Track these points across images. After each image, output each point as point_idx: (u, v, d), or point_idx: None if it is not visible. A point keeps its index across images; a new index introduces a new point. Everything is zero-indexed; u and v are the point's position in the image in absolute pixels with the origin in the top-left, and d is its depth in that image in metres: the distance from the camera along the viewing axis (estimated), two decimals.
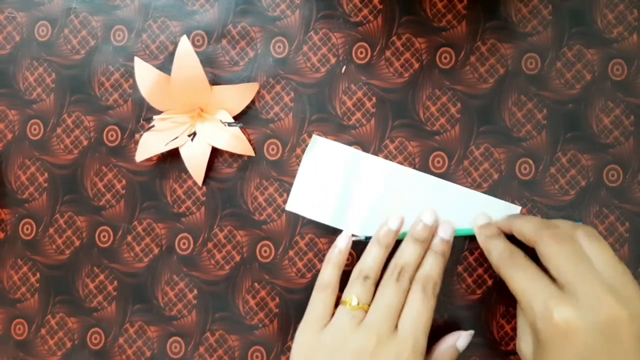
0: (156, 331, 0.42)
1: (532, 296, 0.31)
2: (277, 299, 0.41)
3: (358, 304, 0.35)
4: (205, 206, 0.41)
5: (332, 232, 0.40)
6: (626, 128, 0.40)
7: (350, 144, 0.41)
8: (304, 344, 0.36)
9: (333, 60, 0.41)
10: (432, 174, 0.40)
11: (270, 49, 0.41)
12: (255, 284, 0.41)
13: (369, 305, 0.35)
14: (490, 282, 0.40)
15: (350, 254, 0.40)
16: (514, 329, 0.40)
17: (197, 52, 0.41)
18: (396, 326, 0.34)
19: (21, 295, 0.43)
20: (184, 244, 0.42)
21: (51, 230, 0.43)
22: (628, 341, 0.29)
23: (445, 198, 0.40)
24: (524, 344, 0.34)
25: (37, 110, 0.43)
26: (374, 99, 0.41)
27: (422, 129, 0.41)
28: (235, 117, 0.41)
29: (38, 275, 0.43)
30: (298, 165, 0.41)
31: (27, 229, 0.43)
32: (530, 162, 0.40)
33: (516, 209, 0.40)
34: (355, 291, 0.36)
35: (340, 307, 0.36)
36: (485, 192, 0.40)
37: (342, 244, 0.38)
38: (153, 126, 0.41)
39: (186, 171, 0.41)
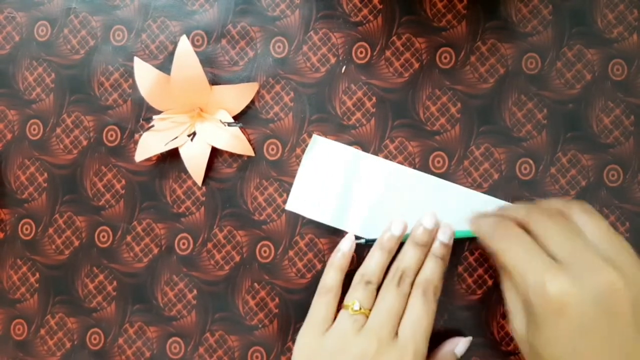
0: (156, 331, 0.41)
1: (525, 269, 0.30)
2: (277, 300, 0.40)
3: (360, 308, 0.34)
4: (204, 206, 0.41)
5: (332, 233, 0.40)
6: (626, 128, 0.39)
7: (350, 143, 0.40)
8: (305, 347, 0.35)
9: (333, 60, 0.40)
10: (432, 174, 0.40)
11: (270, 48, 0.41)
12: (255, 284, 0.41)
13: (371, 310, 0.35)
14: (490, 283, 0.39)
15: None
16: None
17: (196, 52, 0.40)
18: (397, 331, 0.34)
19: (20, 296, 0.42)
20: (183, 244, 0.41)
21: (50, 231, 0.42)
22: (625, 310, 0.28)
23: (446, 198, 0.39)
24: (518, 323, 0.32)
25: (37, 110, 0.42)
26: (374, 98, 0.40)
27: (422, 129, 0.40)
28: (235, 117, 0.40)
29: (37, 275, 0.42)
30: (298, 165, 0.40)
31: (26, 229, 0.42)
32: (531, 162, 0.40)
33: None
34: (357, 296, 0.35)
35: (342, 312, 0.35)
36: (485, 192, 0.39)
37: (345, 248, 0.38)
38: (152, 126, 0.40)
39: (186, 171, 0.41)
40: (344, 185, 0.40)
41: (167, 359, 0.41)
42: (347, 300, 0.36)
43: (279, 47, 0.41)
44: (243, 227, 0.41)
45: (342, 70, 0.40)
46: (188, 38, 0.40)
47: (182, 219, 0.41)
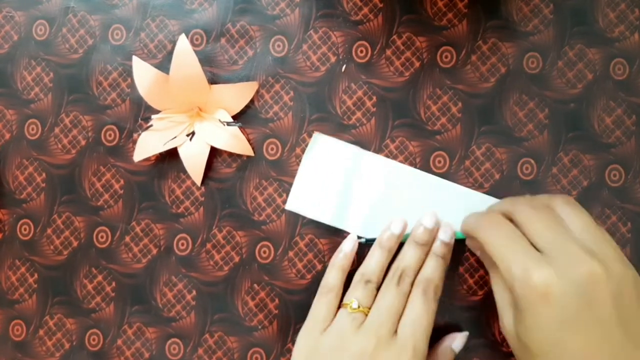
0: (155, 332, 0.40)
1: (510, 260, 0.30)
2: (277, 300, 0.40)
3: (359, 306, 0.34)
4: (204, 206, 0.40)
5: (333, 233, 0.39)
6: (628, 128, 0.39)
7: (350, 143, 0.39)
8: (304, 347, 0.35)
9: (333, 59, 0.40)
10: (433, 174, 0.39)
11: (269, 47, 0.40)
12: (255, 285, 0.40)
13: (370, 309, 0.34)
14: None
15: None
16: None
17: (195, 51, 0.39)
18: (397, 329, 0.33)
19: (19, 296, 0.41)
20: (182, 244, 0.40)
21: (49, 231, 0.41)
22: (606, 300, 0.28)
23: (447, 198, 0.38)
24: (507, 319, 0.32)
25: (35, 109, 0.41)
26: (374, 98, 0.39)
27: (423, 128, 0.39)
28: (234, 117, 0.40)
29: (36, 275, 0.41)
30: (298, 165, 0.39)
31: (25, 229, 0.41)
32: (532, 162, 0.39)
33: None
34: (356, 295, 0.34)
35: (341, 310, 0.35)
36: (486, 192, 0.39)
37: (347, 248, 0.37)
38: (151, 126, 0.40)
39: (185, 171, 0.40)
40: (344, 183, 0.39)
41: None
42: (346, 299, 0.35)
43: (278, 46, 0.40)
44: (242, 228, 0.40)
45: (342, 70, 0.40)
46: (187, 37, 0.40)
47: (181, 219, 0.40)
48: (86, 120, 0.41)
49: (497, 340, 0.39)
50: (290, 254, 0.40)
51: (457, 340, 0.36)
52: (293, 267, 0.40)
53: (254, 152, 0.40)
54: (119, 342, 0.41)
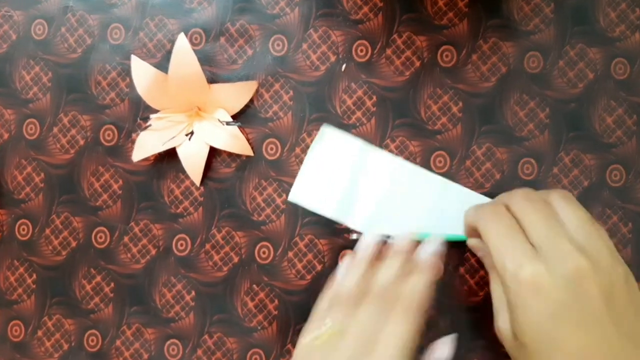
0: (153, 333, 0.39)
1: (504, 254, 0.30)
2: (276, 301, 0.39)
3: (334, 327, 0.32)
4: (203, 207, 0.39)
5: (332, 234, 0.38)
6: (629, 127, 0.38)
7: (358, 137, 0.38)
8: (303, 347, 0.33)
9: (333, 59, 0.39)
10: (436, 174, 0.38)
11: (269, 47, 0.39)
12: (254, 286, 0.39)
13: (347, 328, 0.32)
14: None
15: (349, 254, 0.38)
16: None
17: (195, 50, 0.39)
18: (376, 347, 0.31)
19: (17, 297, 0.41)
20: (181, 245, 0.39)
21: (47, 231, 0.40)
22: (595, 296, 0.28)
23: (452, 199, 0.37)
24: (502, 321, 0.31)
25: (34, 109, 0.41)
26: (374, 97, 0.39)
27: (423, 128, 0.38)
28: (233, 116, 0.39)
29: (34, 276, 0.40)
30: (298, 165, 0.39)
31: (23, 229, 0.41)
32: (533, 161, 0.38)
33: None
34: (332, 314, 0.32)
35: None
36: (487, 192, 0.38)
37: (368, 243, 0.35)
38: (150, 125, 0.39)
39: (184, 171, 0.39)
40: (350, 178, 0.38)
41: None
42: (320, 322, 0.33)
43: (278, 45, 0.39)
44: (242, 228, 0.39)
45: (342, 69, 0.39)
46: (186, 36, 0.39)
47: (180, 220, 0.39)
48: (85, 120, 0.40)
49: (498, 340, 0.38)
50: (290, 254, 0.39)
51: (438, 351, 0.34)
52: (293, 268, 0.39)
53: (254, 152, 0.39)
54: (118, 342, 0.40)
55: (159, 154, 0.39)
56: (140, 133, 0.39)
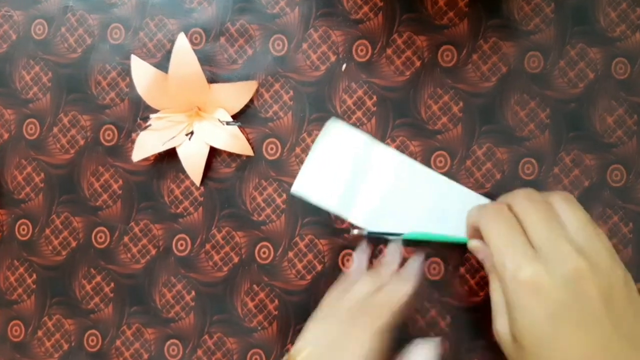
0: (153, 333, 0.39)
1: (505, 254, 0.29)
2: (277, 301, 0.38)
3: (303, 347, 0.32)
4: (203, 207, 0.39)
5: (333, 234, 0.38)
6: (629, 127, 0.38)
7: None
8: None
9: (333, 58, 0.38)
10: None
11: (269, 46, 0.39)
12: (254, 286, 0.38)
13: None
14: None
15: (350, 254, 0.38)
16: None
17: (195, 50, 0.38)
18: None
19: (18, 297, 0.40)
20: (181, 245, 0.39)
21: (47, 231, 0.40)
22: (594, 297, 0.28)
23: (454, 199, 0.37)
24: (500, 324, 0.31)
25: (34, 109, 0.40)
26: (374, 97, 0.38)
27: (423, 128, 0.38)
28: (233, 116, 0.39)
29: (34, 276, 0.40)
30: (298, 165, 0.38)
31: (23, 229, 0.40)
32: (533, 161, 0.38)
33: None
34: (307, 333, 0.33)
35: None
36: (487, 193, 0.37)
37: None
38: (150, 125, 0.38)
39: (184, 171, 0.39)
40: (354, 172, 0.37)
41: None
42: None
43: (278, 45, 0.39)
44: (242, 228, 0.39)
45: (343, 69, 0.38)
46: (186, 36, 0.39)
47: (180, 220, 0.39)
48: (85, 120, 0.40)
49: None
50: (290, 254, 0.38)
51: (416, 357, 0.33)
52: (293, 268, 0.38)
53: (254, 152, 0.39)
54: (118, 342, 0.39)
55: (159, 154, 0.39)
56: (140, 133, 0.39)
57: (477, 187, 0.38)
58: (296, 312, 0.38)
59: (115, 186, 0.40)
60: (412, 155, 0.38)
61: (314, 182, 0.38)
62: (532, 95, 0.38)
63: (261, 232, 0.39)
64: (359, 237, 0.37)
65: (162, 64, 0.39)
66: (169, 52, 0.39)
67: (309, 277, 0.38)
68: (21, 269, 0.40)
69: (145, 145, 0.38)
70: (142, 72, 0.38)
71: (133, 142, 0.39)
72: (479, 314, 0.37)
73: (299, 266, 0.38)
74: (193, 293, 0.39)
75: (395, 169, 0.37)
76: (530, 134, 0.38)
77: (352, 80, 0.38)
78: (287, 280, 0.38)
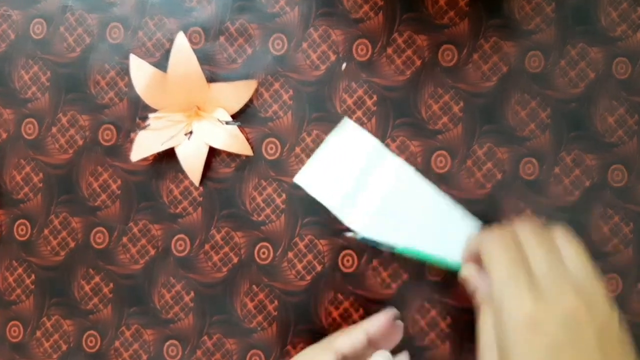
0: (152, 334, 0.38)
1: (507, 286, 0.29)
2: (276, 302, 0.38)
3: None
4: (202, 207, 0.38)
5: (332, 234, 0.37)
6: (630, 127, 0.37)
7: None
8: None
9: (333, 58, 0.38)
10: (434, 174, 0.37)
11: (268, 46, 0.38)
12: (254, 287, 0.38)
13: None
14: None
15: (349, 254, 0.37)
16: None
17: (194, 49, 0.38)
18: None
19: (16, 297, 0.40)
20: (180, 245, 0.38)
21: (46, 232, 0.39)
22: (589, 336, 0.28)
23: (452, 222, 0.36)
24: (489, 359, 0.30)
25: (32, 109, 0.40)
26: (374, 97, 0.37)
27: (424, 127, 0.37)
28: (233, 116, 0.38)
29: (33, 276, 0.39)
30: (297, 165, 0.38)
31: (21, 229, 0.39)
32: (534, 161, 0.37)
33: None
34: None
35: None
36: (488, 193, 0.37)
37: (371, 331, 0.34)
38: (149, 125, 0.38)
39: (183, 171, 0.38)
40: (360, 175, 0.37)
41: None
42: None
43: (278, 44, 0.38)
44: (241, 228, 0.38)
45: (343, 68, 0.38)
46: (185, 35, 0.38)
47: (179, 220, 0.38)
48: (83, 119, 0.39)
49: None
50: (290, 254, 0.38)
51: None
52: (292, 268, 0.38)
53: (253, 152, 0.38)
54: (117, 343, 0.39)
55: (158, 153, 0.38)
56: (139, 133, 0.38)
57: (477, 187, 0.37)
58: (296, 313, 0.38)
59: (114, 186, 0.39)
60: (412, 155, 0.37)
61: (318, 176, 0.37)
62: (533, 95, 0.37)
63: (261, 232, 0.38)
64: (354, 240, 0.37)
65: (161, 64, 0.38)
66: (168, 51, 0.38)
67: (308, 277, 0.38)
68: (20, 270, 0.39)
69: (144, 145, 0.38)
70: (141, 72, 0.38)
71: (132, 141, 0.38)
72: (479, 314, 0.37)
73: (299, 267, 0.38)
74: (192, 294, 0.38)
75: (401, 180, 0.37)
76: (531, 134, 0.37)
77: (352, 80, 0.38)
78: (287, 281, 0.38)
